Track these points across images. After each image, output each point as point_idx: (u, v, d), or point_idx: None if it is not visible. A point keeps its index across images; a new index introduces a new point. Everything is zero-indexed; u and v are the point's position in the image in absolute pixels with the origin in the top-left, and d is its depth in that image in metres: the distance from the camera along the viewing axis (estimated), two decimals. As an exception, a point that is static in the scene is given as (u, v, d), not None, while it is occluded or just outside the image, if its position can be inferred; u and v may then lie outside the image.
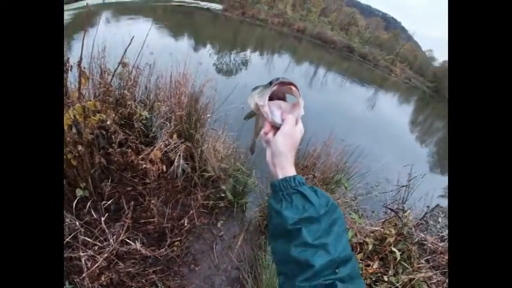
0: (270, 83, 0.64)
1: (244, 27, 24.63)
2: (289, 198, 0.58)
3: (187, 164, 2.75)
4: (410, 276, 2.22)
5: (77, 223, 1.94)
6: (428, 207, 3.21)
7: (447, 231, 3.72)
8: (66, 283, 1.75)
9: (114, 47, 2.65)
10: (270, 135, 0.65)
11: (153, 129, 2.89)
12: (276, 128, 0.65)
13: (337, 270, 0.50)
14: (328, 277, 0.50)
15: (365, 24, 40.70)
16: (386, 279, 2.20)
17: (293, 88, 0.63)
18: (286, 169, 0.62)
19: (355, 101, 12.89)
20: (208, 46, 12.12)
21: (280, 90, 0.65)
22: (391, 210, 2.66)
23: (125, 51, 2.39)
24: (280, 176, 0.61)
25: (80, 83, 2.07)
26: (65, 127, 1.89)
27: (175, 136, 2.67)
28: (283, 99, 0.68)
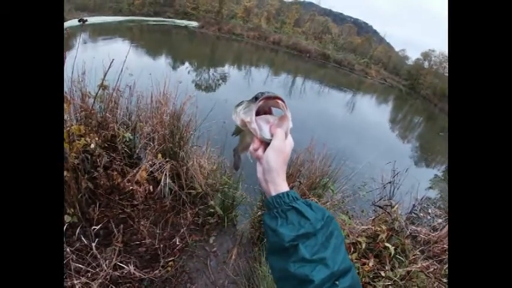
0: (256, 98, 0.62)
1: (221, 43, 24.94)
2: (284, 215, 0.56)
3: (173, 182, 2.73)
4: (407, 269, 2.24)
5: (68, 250, 1.90)
6: (416, 199, 3.30)
7: (439, 220, 3.80)
8: None
9: (93, 69, 2.64)
10: (260, 151, 0.63)
11: (137, 150, 2.87)
12: (265, 143, 0.63)
13: (337, 282, 0.50)
14: None
15: (338, 31, 41.90)
16: (383, 274, 2.22)
17: (279, 102, 0.62)
18: (278, 185, 0.60)
19: (334, 106, 13.15)
20: (187, 63, 12.18)
21: (266, 104, 0.64)
22: (379, 207, 2.71)
23: (105, 74, 2.38)
24: (273, 193, 0.60)
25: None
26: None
27: (159, 155, 2.66)
28: (270, 113, 0.67)
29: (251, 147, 0.65)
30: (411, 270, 2.24)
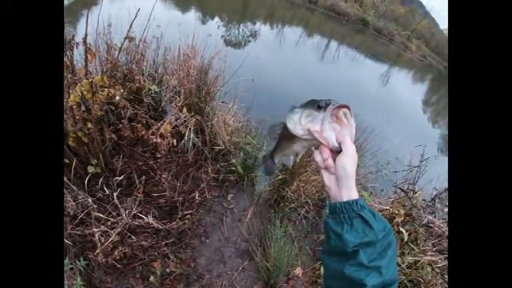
0: (319, 106, 0.63)
1: (254, -2, 23.71)
2: (349, 221, 0.59)
3: (197, 137, 2.74)
4: (416, 258, 2.25)
5: (90, 200, 1.95)
6: (436, 189, 3.17)
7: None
8: (81, 259, 1.77)
9: (119, 22, 2.58)
10: (330, 160, 0.66)
11: (162, 104, 2.87)
12: (333, 152, 0.65)
13: None
14: None
15: (381, -3, 38.51)
16: (392, 258, 2.23)
17: (345, 110, 0.64)
18: (352, 191, 0.63)
19: (368, 77, 12.41)
20: (217, 18, 11.72)
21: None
22: (401, 190, 2.64)
23: (131, 24, 2.32)
24: (345, 198, 0.63)
25: (86, 59, 2.03)
26: (73, 105, 1.89)
27: (185, 110, 2.64)
28: None
29: (318, 157, 0.68)
30: (419, 260, 2.24)
